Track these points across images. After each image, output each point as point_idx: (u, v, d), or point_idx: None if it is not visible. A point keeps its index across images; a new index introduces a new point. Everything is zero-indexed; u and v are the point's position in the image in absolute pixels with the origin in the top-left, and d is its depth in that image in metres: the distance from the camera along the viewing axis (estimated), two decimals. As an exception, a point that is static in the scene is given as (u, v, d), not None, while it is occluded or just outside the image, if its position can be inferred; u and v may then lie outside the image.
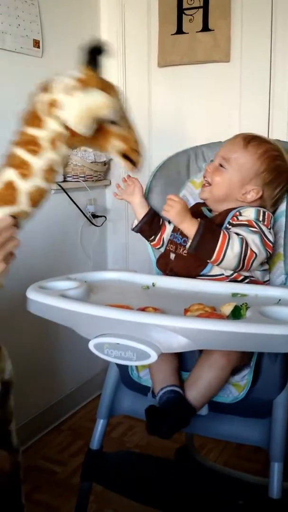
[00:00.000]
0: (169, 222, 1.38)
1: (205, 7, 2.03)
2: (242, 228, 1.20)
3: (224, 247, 1.15)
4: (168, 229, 1.38)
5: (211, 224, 1.23)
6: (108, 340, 0.91)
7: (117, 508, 1.63)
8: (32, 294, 1.04)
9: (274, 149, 1.27)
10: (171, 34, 2.12)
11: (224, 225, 1.24)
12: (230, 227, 1.23)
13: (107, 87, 1.01)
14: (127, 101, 1.08)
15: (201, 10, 2.04)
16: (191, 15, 2.06)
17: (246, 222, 1.21)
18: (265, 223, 1.23)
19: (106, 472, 1.35)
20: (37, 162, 1.00)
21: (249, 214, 1.24)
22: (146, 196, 1.42)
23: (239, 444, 1.66)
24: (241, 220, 1.23)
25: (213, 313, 0.96)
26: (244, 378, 1.18)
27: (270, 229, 1.23)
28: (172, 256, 1.30)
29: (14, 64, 1.81)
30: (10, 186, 1.00)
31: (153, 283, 1.22)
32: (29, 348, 1.98)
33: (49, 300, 1.01)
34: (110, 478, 1.33)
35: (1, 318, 1.85)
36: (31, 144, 1.00)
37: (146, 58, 2.23)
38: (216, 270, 1.21)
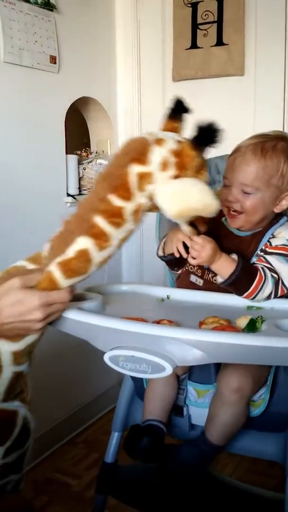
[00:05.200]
0: None
1: (219, 22, 2.05)
2: (277, 258, 1.16)
3: (258, 289, 1.11)
4: None
5: (247, 263, 1.17)
6: (123, 353, 0.92)
7: (131, 522, 1.62)
8: (48, 307, 1.04)
9: (284, 142, 1.20)
10: (186, 49, 2.14)
11: (256, 251, 1.19)
12: (262, 254, 1.19)
13: (202, 168, 0.96)
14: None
15: (215, 25, 2.06)
16: (205, 29, 2.09)
17: (282, 251, 1.17)
18: None
19: (121, 485, 1.35)
20: (118, 235, 0.93)
21: (284, 234, 1.19)
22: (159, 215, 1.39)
23: (255, 458, 1.64)
24: (276, 248, 1.18)
25: (228, 326, 0.96)
26: (260, 397, 1.17)
27: None
28: (199, 281, 1.25)
29: (31, 80, 1.85)
30: (84, 256, 0.92)
31: (168, 296, 1.22)
32: (44, 361, 1.98)
33: (65, 312, 1.01)
34: (125, 492, 1.33)
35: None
36: (116, 216, 0.92)
37: (161, 72, 2.26)
38: None
